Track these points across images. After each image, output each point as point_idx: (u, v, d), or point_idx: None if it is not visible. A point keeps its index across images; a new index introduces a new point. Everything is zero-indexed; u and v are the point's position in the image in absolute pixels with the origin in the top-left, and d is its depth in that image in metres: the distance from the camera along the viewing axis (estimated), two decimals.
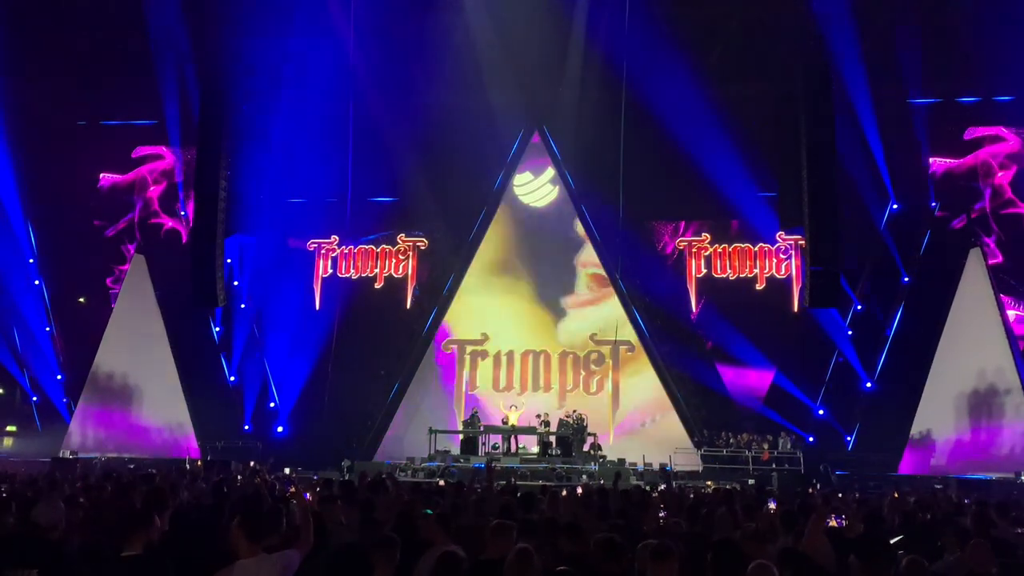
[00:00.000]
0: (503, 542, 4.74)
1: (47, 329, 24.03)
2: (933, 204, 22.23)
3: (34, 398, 23.51)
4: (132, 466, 17.84)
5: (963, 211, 21.87)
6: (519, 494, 8.25)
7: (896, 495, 11.90)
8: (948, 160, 22.18)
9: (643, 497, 7.73)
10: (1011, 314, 20.55)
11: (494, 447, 20.24)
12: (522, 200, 23.91)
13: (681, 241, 23.21)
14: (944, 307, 20.24)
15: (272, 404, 23.16)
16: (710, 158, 21.56)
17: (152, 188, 24.96)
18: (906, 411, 20.19)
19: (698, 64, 20.83)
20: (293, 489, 7.49)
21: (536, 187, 23.91)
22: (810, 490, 13.79)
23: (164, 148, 24.65)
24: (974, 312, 19.77)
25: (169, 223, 24.89)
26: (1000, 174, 21.78)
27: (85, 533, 5.85)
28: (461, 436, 20.56)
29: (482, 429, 20.51)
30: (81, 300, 24.48)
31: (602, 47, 21.87)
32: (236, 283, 23.42)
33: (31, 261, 24.18)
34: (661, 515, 6.21)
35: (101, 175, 24.99)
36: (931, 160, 22.19)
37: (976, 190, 21.91)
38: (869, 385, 21.54)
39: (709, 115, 21.35)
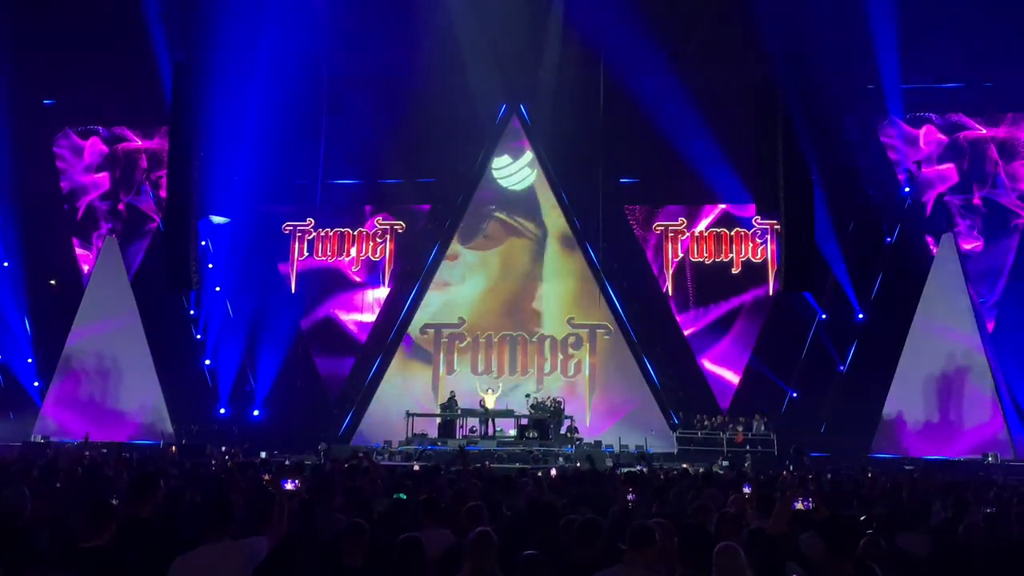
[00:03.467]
0: (477, 525, 4.75)
1: (16, 311, 23.61)
2: (906, 190, 22.38)
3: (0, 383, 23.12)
4: (105, 451, 17.61)
5: (949, 191, 21.99)
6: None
7: (869, 475, 12.11)
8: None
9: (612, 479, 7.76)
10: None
11: (472, 431, 20.26)
12: (501, 183, 23.80)
13: (658, 225, 23.26)
14: (916, 290, 20.45)
15: (248, 388, 22.99)
16: (688, 142, 21.54)
17: (124, 168, 24.53)
18: (877, 394, 20.44)
19: (677, 48, 20.75)
20: (267, 477, 7.43)
21: (515, 170, 23.79)
22: (783, 473, 13.93)
23: (133, 128, 24.24)
24: (944, 296, 20.02)
25: (141, 204, 24.49)
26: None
27: (51, 520, 5.76)
28: (439, 420, 20.56)
29: (459, 412, 20.52)
30: (52, 282, 24.04)
31: (580, 30, 21.74)
32: (211, 265, 23.12)
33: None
34: (630, 498, 6.24)
35: (69, 154, 24.52)
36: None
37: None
38: (841, 369, 21.79)
39: (687, 99, 21.30)
